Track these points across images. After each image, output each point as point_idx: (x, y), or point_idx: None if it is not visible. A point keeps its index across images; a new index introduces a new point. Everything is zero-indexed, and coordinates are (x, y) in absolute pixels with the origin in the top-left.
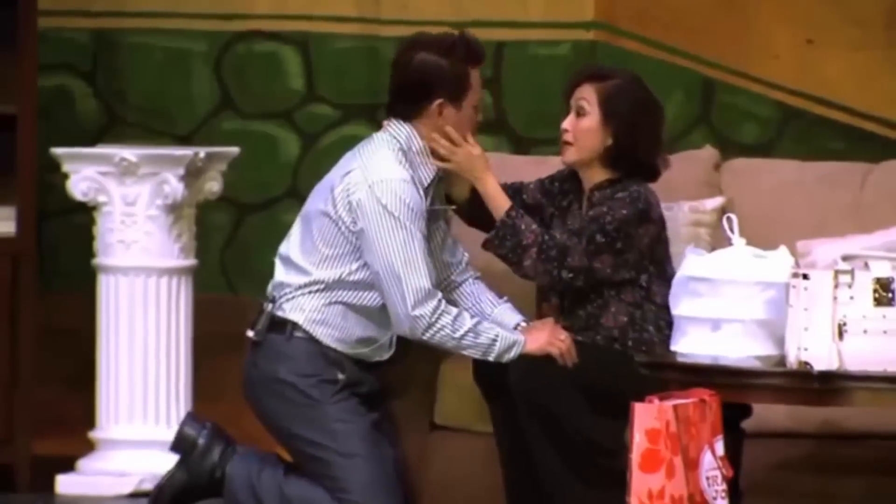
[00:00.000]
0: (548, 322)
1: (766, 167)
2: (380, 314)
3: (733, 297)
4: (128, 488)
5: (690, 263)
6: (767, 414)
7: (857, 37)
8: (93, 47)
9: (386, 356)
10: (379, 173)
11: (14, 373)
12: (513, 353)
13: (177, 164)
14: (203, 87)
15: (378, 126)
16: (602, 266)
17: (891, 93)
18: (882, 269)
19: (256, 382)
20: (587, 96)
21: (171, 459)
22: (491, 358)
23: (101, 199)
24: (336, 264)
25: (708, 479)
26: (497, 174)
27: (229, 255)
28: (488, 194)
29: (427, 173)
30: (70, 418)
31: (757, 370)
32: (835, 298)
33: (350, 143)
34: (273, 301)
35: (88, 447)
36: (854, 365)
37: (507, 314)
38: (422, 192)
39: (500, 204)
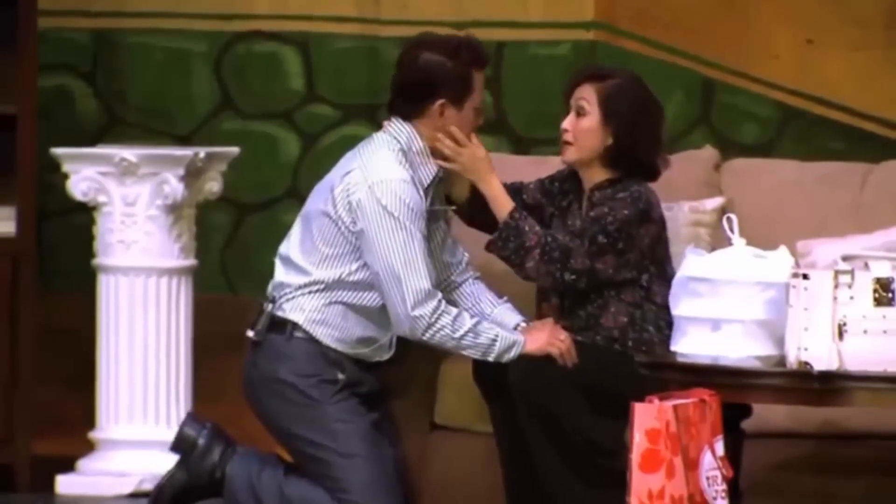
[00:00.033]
0: (547, 322)
1: (766, 167)
2: (380, 314)
3: (733, 298)
4: (128, 488)
5: (690, 263)
6: (767, 414)
7: (857, 37)
8: (93, 47)
9: (386, 356)
10: (379, 173)
11: (14, 373)
12: (512, 354)
13: (177, 165)
14: (203, 87)
15: (378, 126)
16: (605, 267)
17: (891, 93)
18: (882, 270)
19: (256, 382)
20: (587, 96)
21: (171, 460)
22: (491, 358)
23: (101, 199)
24: (336, 264)
25: (708, 479)
26: (497, 174)
27: (229, 255)
28: (492, 196)
29: (427, 174)
30: (70, 418)
31: (757, 370)
32: (835, 298)
33: (350, 143)
34: (273, 301)
35: (88, 447)
36: (854, 365)
37: (507, 314)
38: (422, 193)
39: (503, 205)
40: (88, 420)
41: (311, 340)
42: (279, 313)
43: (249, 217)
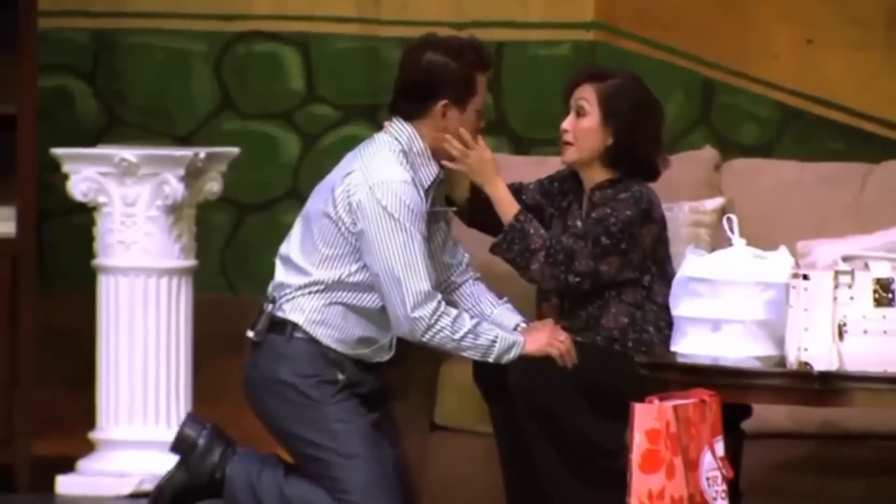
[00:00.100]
0: (547, 323)
1: (766, 168)
2: (380, 316)
3: (733, 298)
4: (128, 489)
5: (690, 264)
6: (767, 414)
7: (857, 37)
8: (93, 48)
9: (386, 357)
10: (380, 174)
11: (14, 373)
12: (512, 354)
13: (177, 165)
14: (203, 87)
15: (378, 127)
16: (609, 268)
17: (891, 93)
18: (882, 270)
19: (256, 383)
20: (587, 96)
21: (172, 460)
22: (490, 359)
23: (101, 199)
24: (336, 265)
25: (708, 479)
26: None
27: (229, 255)
28: (497, 198)
29: (428, 175)
30: (70, 418)
31: (757, 371)
32: (835, 299)
33: (350, 143)
34: (273, 301)
35: (88, 447)
36: (854, 365)
37: (507, 315)
38: (422, 194)
39: (509, 208)
40: (88, 420)
41: (311, 341)
42: (279, 314)
43: (249, 217)
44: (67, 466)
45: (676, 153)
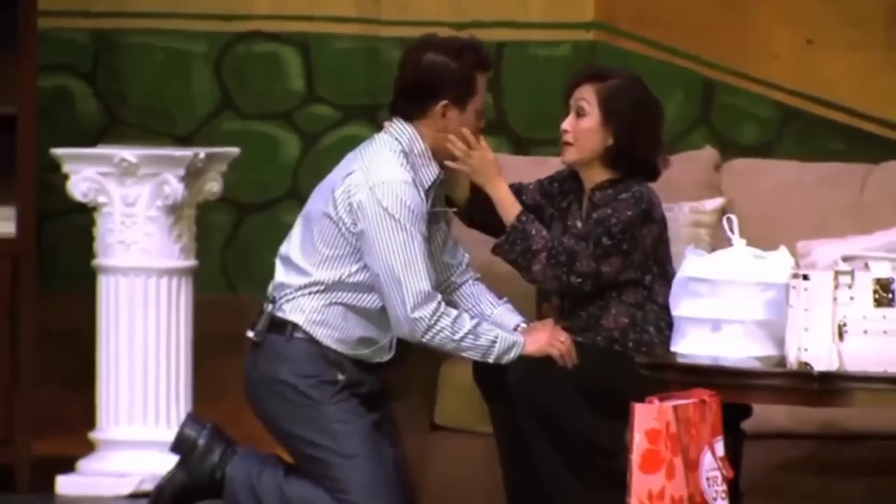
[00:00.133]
0: (548, 323)
1: (766, 168)
2: (380, 316)
3: (733, 298)
4: (128, 489)
5: (690, 264)
6: (767, 415)
7: (857, 37)
8: (93, 48)
9: (386, 357)
10: (380, 175)
11: (14, 373)
12: (512, 355)
13: (177, 165)
14: (203, 87)
15: (379, 127)
16: (610, 269)
17: (891, 93)
18: (882, 270)
19: (257, 383)
20: (587, 96)
21: (172, 460)
22: (491, 359)
23: (101, 199)
24: (336, 265)
25: (708, 479)
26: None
27: (229, 255)
28: (499, 199)
29: (429, 175)
30: (70, 419)
31: (757, 371)
32: (835, 299)
33: (350, 143)
34: (273, 302)
35: (88, 448)
36: (854, 365)
37: (507, 315)
38: (423, 195)
39: (511, 209)
40: (88, 420)
41: (312, 341)
42: (279, 314)
43: (249, 217)
44: (67, 466)
45: (676, 153)
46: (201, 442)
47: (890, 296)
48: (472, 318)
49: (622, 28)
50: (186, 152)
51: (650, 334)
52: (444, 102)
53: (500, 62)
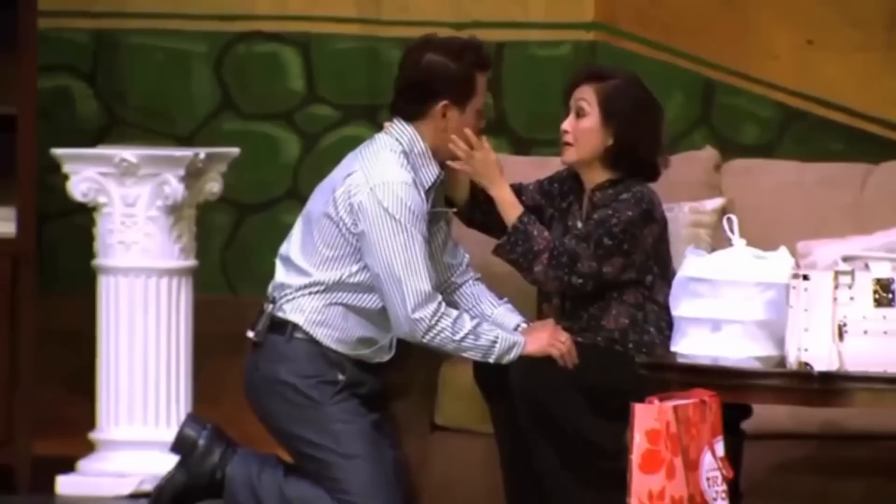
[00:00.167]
0: (548, 323)
1: (766, 168)
2: (380, 316)
3: (733, 298)
4: (128, 489)
5: (690, 264)
6: (768, 415)
7: (858, 38)
8: (93, 48)
9: (386, 358)
10: (381, 175)
11: (14, 373)
12: (513, 355)
13: (177, 165)
14: (203, 87)
15: (379, 127)
16: (612, 269)
17: (891, 94)
18: (882, 270)
19: (257, 383)
20: (586, 97)
21: (172, 460)
22: (491, 360)
23: (102, 199)
24: (336, 266)
25: (708, 479)
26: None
27: (229, 255)
28: (501, 199)
29: (429, 176)
30: (70, 419)
31: (757, 371)
32: (835, 299)
33: (350, 143)
34: (273, 302)
35: (88, 448)
36: (854, 366)
37: (507, 315)
38: (423, 195)
39: (512, 209)
40: (88, 421)
41: (312, 341)
42: (279, 314)
43: (249, 217)
44: (67, 467)
45: (677, 153)
46: (201, 442)
47: (890, 296)
48: (472, 318)
49: (622, 28)
50: (186, 152)
51: (651, 335)
52: (443, 103)
53: (500, 62)
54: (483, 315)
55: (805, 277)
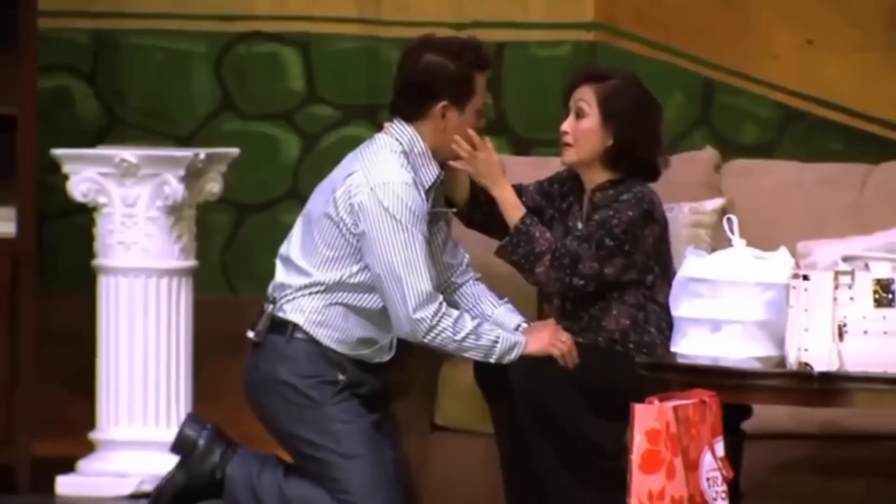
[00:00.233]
0: (549, 323)
1: (766, 168)
2: (380, 316)
3: (733, 299)
4: (128, 489)
5: (690, 264)
6: (768, 415)
7: (858, 38)
8: (93, 48)
9: (386, 358)
10: (381, 176)
11: (14, 373)
12: (514, 355)
13: (177, 166)
14: (203, 88)
15: (379, 127)
16: (613, 270)
17: (891, 94)
18: (882, 270)
19: (257, 383)
20: (586, 97)
21: (172, 460)
22: (492, 360)
23: (102, 200)
24: (337, 266)
25: (708, 480)
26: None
27: (229, 255)
28: (504, 200)
29: (429, 176)
30: (70, 419)
31: (757, 371)
32: (835, 299)
33: (350, 144)
34: (273, 302)
35: (88, 448)
36: (854, 366)
37: (508, 315)
38: (423, 195)
39: (514, 210)
40: (88, 421)
41: (312, 341)
42: (279, 314)
43: (249, 218)
44: (67, 467)
45: (676, 153)
46: (201, 442)
47: (890, 296)
48: (473, 318)
49: (622, 28)
50: (186, 153)
51: (651, 335)
52: (443, 103)
53: (500, 62)
54: (483, 315)
55: (805, 278)
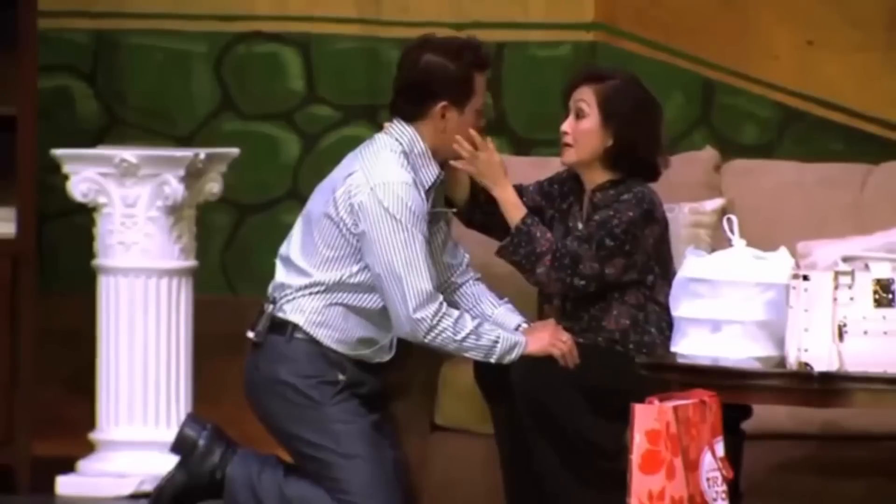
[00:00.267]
0: (549, 323)
1: (766, 168)
2: (380, 316)
3: (733, 299)
4: (128, 489)
5: (690, 265)
6: (768, 415)
7: (858, 38)
8: (93, 48)
9: (386, 358)
10: (381, 176)
11: (14, 374)
12: (514, 355)
13: (177, 166)
14: (203, 88)
15: (379, 127)
16: (614, 270)
17: (891, 94)
18: (882, 271)
19: (257, 383)
20: (586, 98)
21: (172, 461)
22: (493, 360)
23: (102, 200)
24: (337, 266)
25: (708, 480)
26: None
27: (229, 256)
28: (505, 200)
29: (429, 176)
30: (70, 419)
31: (757, 371)
32: (835, 300)
33: (350, 144)
34: (273, 302)
35: (89, 448)
36: (854, 366)
37: (508, 315)
38: (423, 195)
39: (515, 211)
40: (88, 421)
41: (312, 341)
42: (279, 314)
43: (250, 218)
44: (67, 467)
45: (676, 154)
46: (201, 442)
47: (890, 296)
48: (473, 318)
49: (622, 28)
50: (186, 153)
51: (652, 335)
52: (442, 103)
53: (500, 62)
54: (483, 315)
55: (805, 278)
